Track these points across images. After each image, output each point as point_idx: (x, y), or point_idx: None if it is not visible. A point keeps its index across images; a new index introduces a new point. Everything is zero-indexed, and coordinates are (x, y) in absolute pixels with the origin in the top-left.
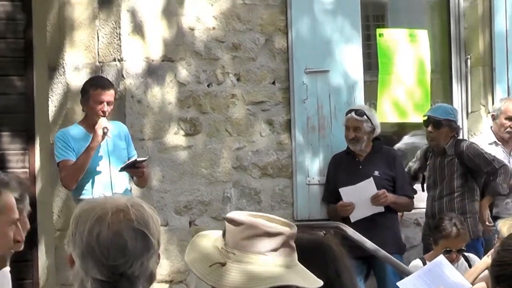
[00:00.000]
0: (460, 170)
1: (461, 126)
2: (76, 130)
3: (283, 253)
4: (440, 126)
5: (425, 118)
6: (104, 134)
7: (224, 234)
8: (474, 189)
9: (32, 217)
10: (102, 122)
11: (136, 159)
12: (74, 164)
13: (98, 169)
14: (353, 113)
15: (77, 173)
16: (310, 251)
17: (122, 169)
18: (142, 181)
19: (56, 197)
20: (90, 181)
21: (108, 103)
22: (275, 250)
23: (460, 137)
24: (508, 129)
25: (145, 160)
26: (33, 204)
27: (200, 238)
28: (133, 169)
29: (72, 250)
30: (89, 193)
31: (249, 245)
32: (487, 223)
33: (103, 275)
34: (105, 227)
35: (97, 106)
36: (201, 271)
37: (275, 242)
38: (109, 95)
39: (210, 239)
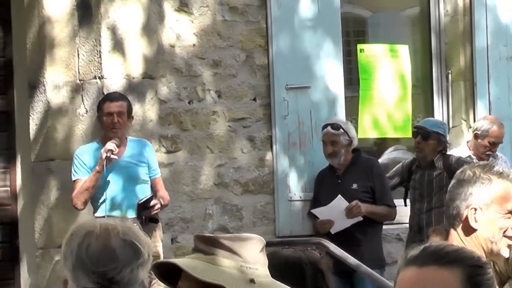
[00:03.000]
0: (449, 184)
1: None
2: (94, 146)
3: None
4: (428, 137)
5: (415, 129)
6: (108, 157)
7: (231, 252)
8: None
9: (13, 235)
10: (108, 145)
11: (138, 203)
12: (82, 185)
13: (111, 186)
14: (329, 128)
15: (83, 195)
16: (287, 267)
17: (138, 217)
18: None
19: (37, 215)
20: (104, 198)
21: (118, 114)
22: None
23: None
24: (489, 152)
25: (149, 198)
26: (14, 222)
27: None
28: (147, 210)
29: (64, 268)
30: (103, 209)
31: (264, 258)
32: None
33: (93, 283)
34: (93, 239)
35: (108, 119)
36: None
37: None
38: (118, 106)
39: (199, 261)
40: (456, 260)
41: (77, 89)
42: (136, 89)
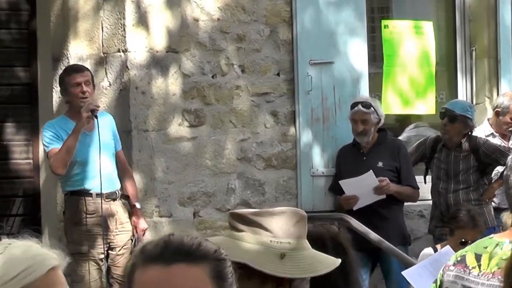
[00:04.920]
0: (476, 166)
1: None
2: (63, 121)
3: None
4: (455, 120)
5: (442, 110)
6: (93, 114)
7: (260, 228)
8: (488, 182)
9: (36, 208)
10: (88, 105)
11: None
12: (62, 147)
13: (89, 160)
14: (360, 106)
15: (66, 157)
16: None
17: None
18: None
19: (59, 188)
20: (81, 172)
21: (86, 83)
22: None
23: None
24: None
25: None
26: (36, 195)
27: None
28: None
29: None
30: (80, 184)
31: (298, 231)
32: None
33: None
34: None
35: (77, 89)
36: (271, 267)
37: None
38: (84, 76)
39: (226, 239)
40: (203, 256)
41: (100, 62)
42: (159, 63)
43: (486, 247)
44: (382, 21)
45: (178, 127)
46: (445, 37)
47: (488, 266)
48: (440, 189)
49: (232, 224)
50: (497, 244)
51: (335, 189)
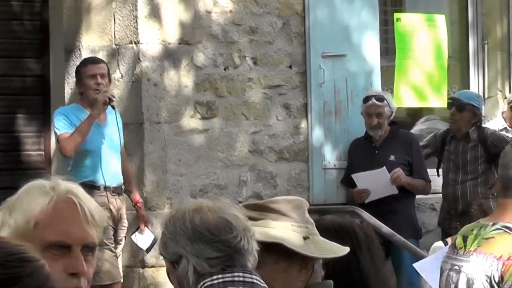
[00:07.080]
0: (484, 156)
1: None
2: (76, 108)
3: None
4: (463, 109)
5: (450, 100)
6: (109, 103)
7: (280, 214)
8: (495, 174)
9: None
10: (104, 91)
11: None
12: (75, 131)
13: (98, 152)
14: (373, 99)
15: (77, 140)
16: (341, 232)
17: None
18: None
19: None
20: (90, 164)
21: (102, 76)
22: None
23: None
24: None
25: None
26: None
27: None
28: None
29: (174, 247)
30: (87, 175)
31: (310, 218)
32: None
33: (218, 251)
34: (205, 213)
35: (92, 81)
36: (299, 248)
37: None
38: (101, 68)
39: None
40: None
41: (113, 54)
42: (172, 55)
43: (472, 230)
44: (395, 14)
45: (190, 119)
46: (458, 30)
47: (471, 245)
48: (449, 180)
49: (249, 215)
50: (481, 227)
51: (347, 182)
